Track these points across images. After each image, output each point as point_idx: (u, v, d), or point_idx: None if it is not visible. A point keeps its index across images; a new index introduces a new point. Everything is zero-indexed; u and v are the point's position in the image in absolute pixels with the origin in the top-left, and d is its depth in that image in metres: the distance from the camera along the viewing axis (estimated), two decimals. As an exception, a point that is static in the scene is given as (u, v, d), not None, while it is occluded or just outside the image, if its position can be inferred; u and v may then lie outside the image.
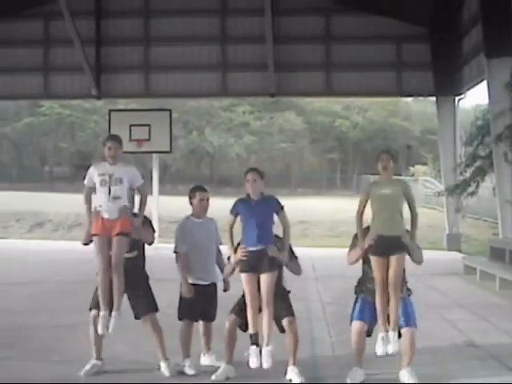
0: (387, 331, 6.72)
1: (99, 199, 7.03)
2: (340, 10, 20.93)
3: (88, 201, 7.16)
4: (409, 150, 56.42)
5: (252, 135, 55.07)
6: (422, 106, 59.27)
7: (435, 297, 12.51)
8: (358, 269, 7.12)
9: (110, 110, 21.71)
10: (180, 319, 7.30)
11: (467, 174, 18.14)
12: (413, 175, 44.12)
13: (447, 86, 20.37)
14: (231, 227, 6.94)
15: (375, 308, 6.82)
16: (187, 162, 57.16)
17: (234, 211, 6.91)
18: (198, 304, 7.24)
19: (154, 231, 7.53)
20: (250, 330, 6.78)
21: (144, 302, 7.22)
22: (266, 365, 6.65)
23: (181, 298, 7.32)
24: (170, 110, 21.71)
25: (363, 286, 7.01)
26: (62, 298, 11.62)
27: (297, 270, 7.31)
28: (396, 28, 20.69)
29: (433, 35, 20.42)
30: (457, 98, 20.97)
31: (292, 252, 7.25)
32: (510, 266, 13.77)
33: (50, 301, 11.55)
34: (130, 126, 20.30)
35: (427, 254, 18.30)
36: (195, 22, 21.24)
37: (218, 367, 7.04)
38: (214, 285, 7.41)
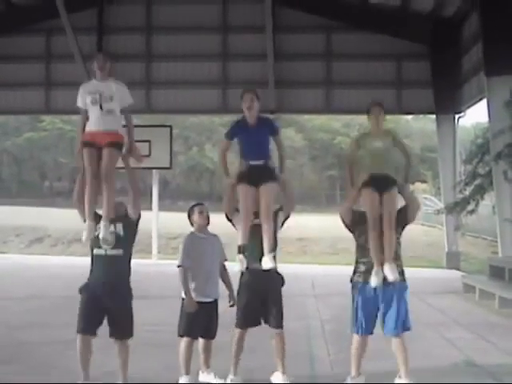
0: (382, 265, 6.71)
1: (91, 118, 6.91)
2: (341, 28, 20.99)
3: (83, 126, 7.08)
4: (408, 167, 56.42)
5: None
6: (421, 124, 59.40)
7: (434, 315, 12.49)
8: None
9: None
10: (180, 336, 7.21)
11: (467, 192, 18.13)
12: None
13: (447, 103, 20.42)
14: (225, 152, 7.35)
15: (373, 305, 6.82)
16: (187, 178, 57.21)
17: (230, 135, 7.23)
18: (200, 321, 7.15)
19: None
20: (239, 241, 6.90)
21: (122, 326, 6.85)
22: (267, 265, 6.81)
23: (181, 315, 7.23)
24: (170, 127, 21.80)
25: (358, 267, 6.93)
26: (62, 314, 11.58)
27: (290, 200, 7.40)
28: (396, 46, 20.77)
29: (433, 53, 20.48)
30: (457, 116, 21.00)
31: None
32: (510, 284, 13.74)
33: (49, 316, 11.53)
34: (131, 141, 20.37)
35: (426, 273, 18.29)
36: (196, 38, 21.31)
37: (217, 385, 7.03)
38: (215, 301, 7.32)
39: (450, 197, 19.92)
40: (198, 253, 7.24)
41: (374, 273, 6.70)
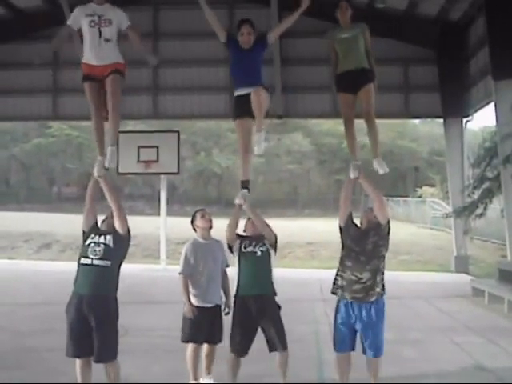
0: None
1: (87, 44, 6.80)
2: (347, 33, 21.00)
3: (61, 40, 7.15)
4: (416, 171, 56.37)
5: (259, 157, 54.96)
6: (429, 128, 59.26)
7: (443, 319, 12.46)
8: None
9: (119, 132, 21.77)
10: (184, 342, 7.23)
11: (475, 196, 18.08)
12: (420, 197, 43.99)
13: (455, 107, 20.38)
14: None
15: (354, 319, 6.77)
16: (195, 183, 57.25)
17: (226, 37, 7.60)
18: (202, 326, 7.16)
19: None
20: (243, 177, 7.40)
21: (106, 347, 6.43)
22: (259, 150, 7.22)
23: (184, 321, 7.24)
24: (178, 132, 21.78)
25: (337, 280, 6.90)
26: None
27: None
28: (403, 50, 20.75)
29: (440, 57, 20.46)
30: (464, 120, 20.94)
31: None
32: (519, 288, 13.71)
33: (58, 322, 11.52)
34: (139, 147, 20.39)
35: (435, 277, 18.24)
36: (203, 44, 21.28)
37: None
38: (218, 307, 7.34)
39: (459, 201, 19.88)
40: (200, 259, 7.28)
41: (351, 167, 7.28)
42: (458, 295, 15.50)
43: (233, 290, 7.24)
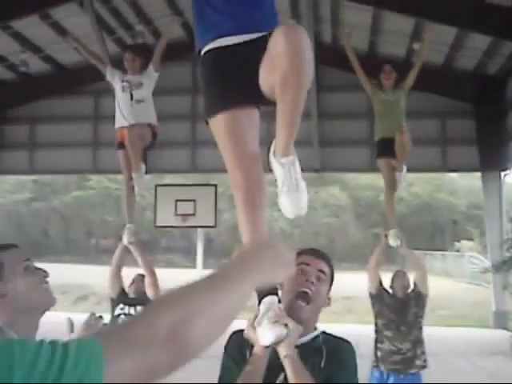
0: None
1: (120, 107, 6.83)
2: (384, 87, 21.11)
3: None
4: (454, 224, 55.88)
5: (296, 210, 55.11)
6: (467, 181, 58.90)
7: (483, 378, 12.24)
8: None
9: (157, 185, 22.03)
10: None
11: (514, 250, 17.90)
12: (458, 251, 43.56)
13: (493, 161, 20.29)
14: None
15: None
16: (232, 236, 57.36)
17: None
18: None
19: None
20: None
21: None
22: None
23: None
24: (215, 186, 21.94)
25: (376, 352, 6.79)
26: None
27: None
28: (440, 104, 20.80)
29: (477, 111, 20.46)
30: (503, 174, 20.85)
31: None
32: (560, 345, 13.45)
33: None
34: (176, 200, 20.56)
35: (473, 332, 17.99)
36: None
37: None
38: None
39: (497, 255, 19.66)
40: None
41: (391, 234, 7.29)
42: (497, 352, 15.22)
43: None
